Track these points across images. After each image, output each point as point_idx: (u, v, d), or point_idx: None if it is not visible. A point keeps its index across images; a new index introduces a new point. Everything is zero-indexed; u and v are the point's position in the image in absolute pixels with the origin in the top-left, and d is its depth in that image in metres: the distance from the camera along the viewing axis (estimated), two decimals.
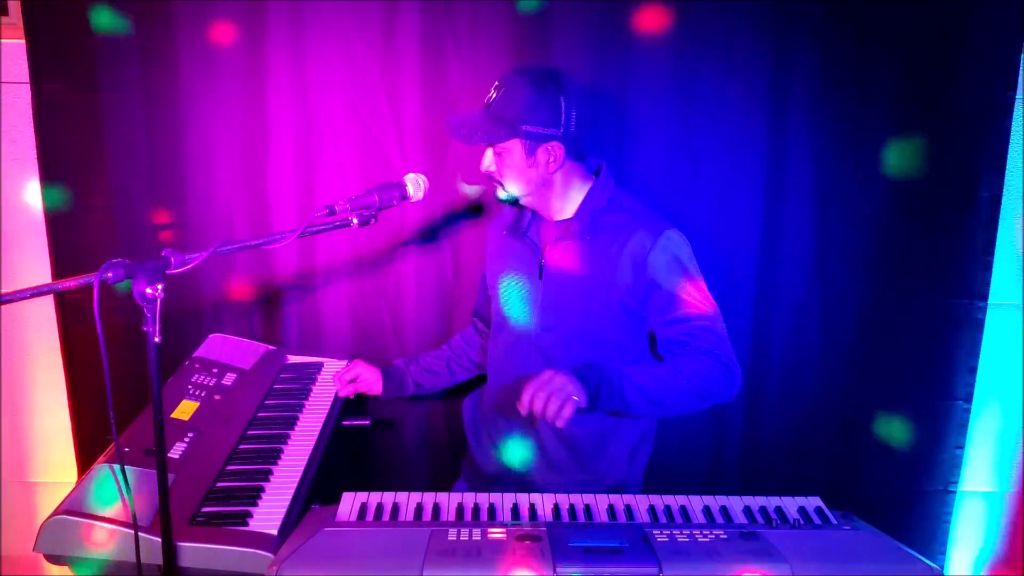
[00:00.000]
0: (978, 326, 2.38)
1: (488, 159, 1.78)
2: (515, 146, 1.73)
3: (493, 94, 1.74)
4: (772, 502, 1.63)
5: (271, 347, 2.34)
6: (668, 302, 1.76)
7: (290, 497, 1.61)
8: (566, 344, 1.83)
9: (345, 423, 2.11)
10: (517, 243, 1.89)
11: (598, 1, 2.20)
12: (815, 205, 2.34)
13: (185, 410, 1.87)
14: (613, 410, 1.70)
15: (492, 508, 1.59)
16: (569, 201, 1.83)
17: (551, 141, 1.72)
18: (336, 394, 2.10)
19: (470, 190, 2.27)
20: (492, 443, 1.97)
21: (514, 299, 1.90)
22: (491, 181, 1.82)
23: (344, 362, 2.30)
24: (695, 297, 1.77)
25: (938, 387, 2.43)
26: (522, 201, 1.83)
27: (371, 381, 2.11)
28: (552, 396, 1.59)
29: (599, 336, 1.81)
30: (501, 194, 1.82)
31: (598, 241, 1.79)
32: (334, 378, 2.13)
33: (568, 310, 1.82)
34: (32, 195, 2.33)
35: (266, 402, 2.04)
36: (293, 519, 1.55)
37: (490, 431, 1.98)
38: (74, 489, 1.54)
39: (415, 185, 1.65)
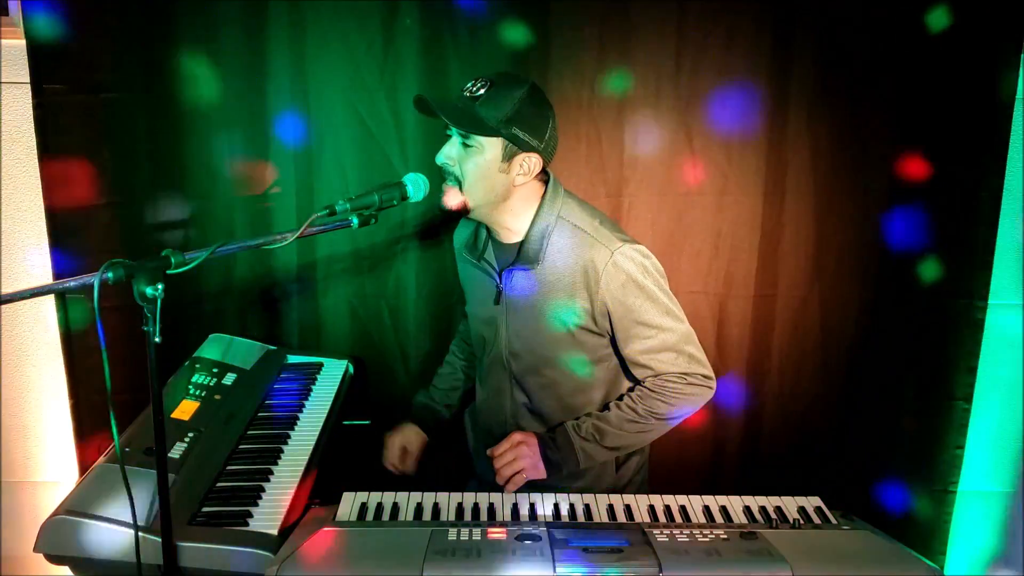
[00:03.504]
0: (978, 326, 2.38)
1: (451, 150, 1.67)
2: (495, 145, 1.63)
3: (479, 89, 1.63)
4: (772, 502, 1.63)
5: (271, 347, 2.34)
6: (626, 325, 1.70)
7: (290, 497, 1.61)
8: (534, 370, 1.79)
9: (345, 423, 2.11)
10: (477, 266, 1.82)
11: (598, 1, 2.20)
12: (815, 205, 2.34)
13: (185, 410, 1.87)
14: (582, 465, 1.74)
15: (492, 508, 1.59)
16: (521, 221, 1.73)
17: (532, 152, 1.65)
18: (335, 395, 2.09)
19: None
20: (484, 456, 1.96)
21: (481, 323, 1.86)
22: (444, 178, 1.70)
23: (344, 362, 2.30)
24: (654, 315, 1.69)
25: (938, 387, 2.42)
26: (474, 213, 1.71)
27: (416, 440, 2.06)
28: (508, 466, 1.68)
29: (566, 359, 1.76)
30: (450, 201, 1.68)
31: (549, 266, 1.70)
32: (388, 465, 2.04)
33: (531, 337, 1.77)
34: (32, 195, 2.33)
35: (266, 402, 2.04)
36: (293, 519, 1.55)
37: (482, 441, 1.97)
38: (74, 489, 1.54)
39: (415, 185, 1.64)
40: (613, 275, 1.66)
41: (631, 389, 1.77)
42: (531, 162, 1.66)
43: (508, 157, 1.64)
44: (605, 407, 1.77)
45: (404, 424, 2.08)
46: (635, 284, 1.67)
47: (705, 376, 1.73)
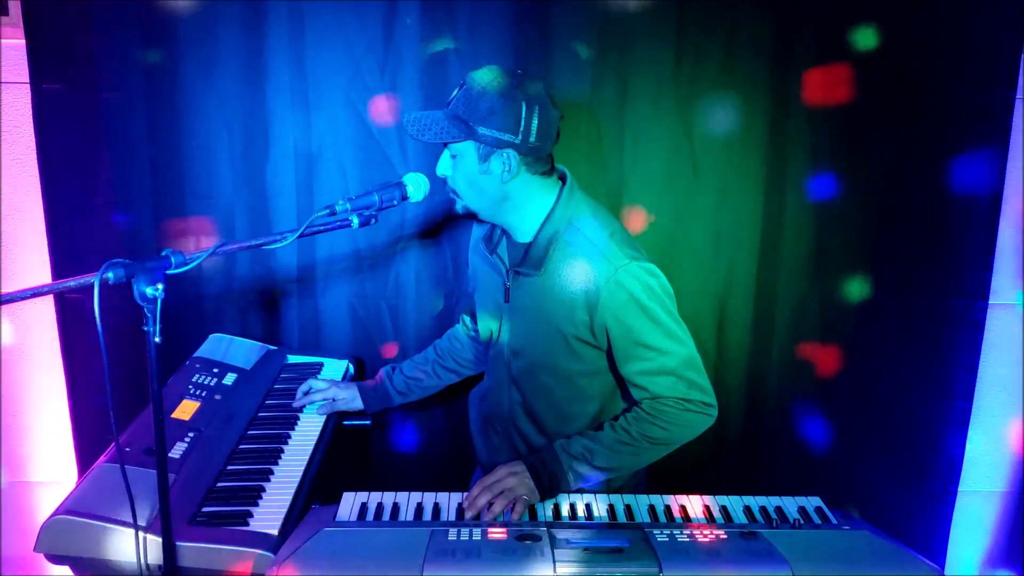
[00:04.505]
0: (978, 326, 2.38)
1: (444, 163, 1.67)
2: (469, 150, 1.61)
3: (455, 92, 1.62)
4: (772, 502, 1.63)
5: (271, 347, 2.34)
6: (624, 344, 1.64)
7: (290, 497, 1.61)
8: (532, 373, 1.76)
9: (345, 423, 2.11)
10: (489, 260, 1.80)
11: (598, 1, 2.20)
12: (815, 205, 2.34)
13: (185, 410, 1.87)
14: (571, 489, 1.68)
15: (492, 508, 1.59)
16: (529, 220, 1.69)
17: (506, 148, 1.60)
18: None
19: None
20: (484, 444, 1.97)
21: (489, 315, 1.84)
22: (448, 189, 1.70)
23: (344, 362, 2.30)
24: (655, 337, 1.62)
25: (938, 387, 2.43)
26: (481, 216, 1.71)
27: (348, 401, 2.05)
28: (500, 497, 1.58)
29: (565, 368, 1.73)
30: (459, 207, 1.69)
31: (554, 273, 1.66)
32: (300, 398, 2.05)
33: (531, 340, 1.74)
34: (32, 195, 2.33)
35: (266, 402, 2.04)
36: (293, 519, 1.55)
37: (483, 432, 1.97)
38: (74, 489, 1.54)
39: (415, 185, 1.64)
40: (614, 293, 1.60)
41: (627, 410, 1.72)
42: (509, 161, 1.61)
43: (483, 158, 1.61)
44: (599, 426, 1.73)
45: (351, 385, 2.07)
46: (637, 304, 1.61)
47: (705, 403, 1.68)
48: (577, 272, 1.64)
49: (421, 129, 1.62)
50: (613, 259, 1.61)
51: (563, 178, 1.73)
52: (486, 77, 1.60)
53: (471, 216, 1.73)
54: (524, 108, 1.58)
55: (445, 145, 1.65)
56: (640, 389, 1.67)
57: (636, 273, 1.61)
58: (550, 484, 1.63)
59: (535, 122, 1.59)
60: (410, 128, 1.63)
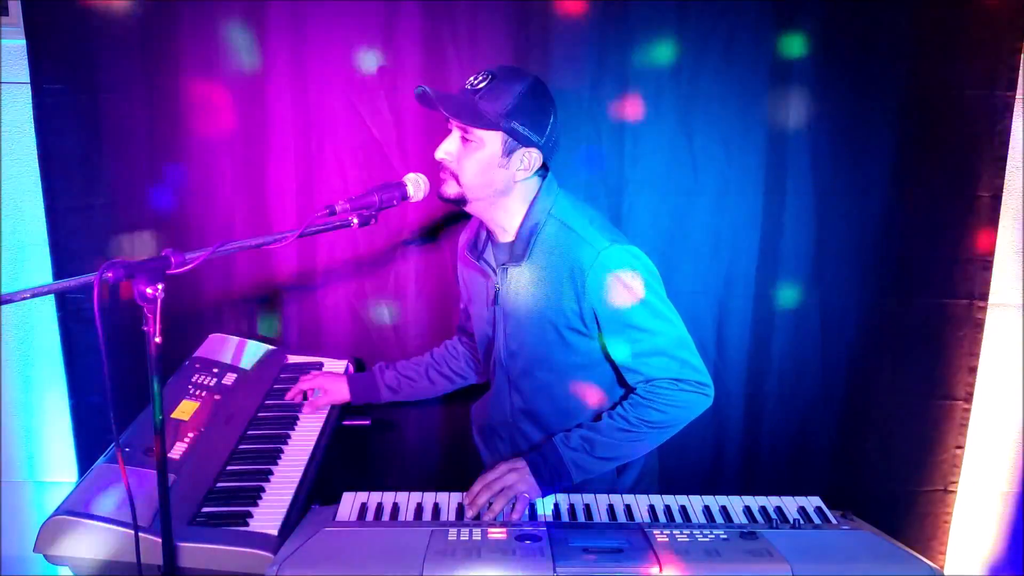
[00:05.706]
0: (978, 326, 2.38)
1: (450, 145, 1.64)
2: (494, 140, 1.60)
3: (481, 82, 1.60)
4: (772, 502, 1.63)
5: (271, 347, 2.34)
6: (614, 328, 1.65)
7: (290, 497, 1.61)
8: (529, 372, 1.77)
9: (345, 423, 2.11)
10: (475, 266, 1.81)
11: (598, 1, 2.20)
12: (815, 205, 2.34)
13: (185, 410, 1.87)
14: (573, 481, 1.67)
15: (492, 508, 1.59)
16: (515, 219, 1.70)
17: (532, 147, 1.63)
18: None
19: None
20: (489, 450, 1.97)
21: (484, 323, 1.84)
22: (441, 171, 1.67)
23: (344, 362, 2.30)
24: (643, 318, 1.64)
25: (938, 387, 2.43)
26: (471, 206, 1.69)
27: (335, 391, 2.06)
28: (501, 495, 1.59)
29: (560, 362, 1.73)
30: (449, 190, 1.66)
31: (539, 265, 1.67)
32: (292, 394, 2.07)
33: (525, 337, 1.74)
34: (32, 195, 2.33)
35: (266, 402, 2.04)
36: (293, 519, 1.55)
37: (487, 439, 1.96)
38: (74, 489, 1.54)
39: (415, 185, 1.64)
40: (599, 276, 1.62)
41: (624, 396, 1.73)
42: (531, 157, 1.64)
43: (508, 152, 1.62)
44: (598, 417, 1.72)
45: (340, 376, 2.10)
46: (622, 286, 1.62)
47: (699, 383, 1.67)
48: (561, 259, 1.65)
49: (453, 107, 1.61)
50: (595, 243, 1.63)
51: (543, 175, 1.74)
52: (519, 75, 1.63)
53: (455, 203, 1.70)
54: (552, 114, 1.64)
55: (455, 127, 1.64)
56: (633, 373, 1.68)
57: (619, 255, 1.63)
58: (551, 479, 1.63)
59: (558, 129, 1.67)
60: (441, 103, 1.61)
